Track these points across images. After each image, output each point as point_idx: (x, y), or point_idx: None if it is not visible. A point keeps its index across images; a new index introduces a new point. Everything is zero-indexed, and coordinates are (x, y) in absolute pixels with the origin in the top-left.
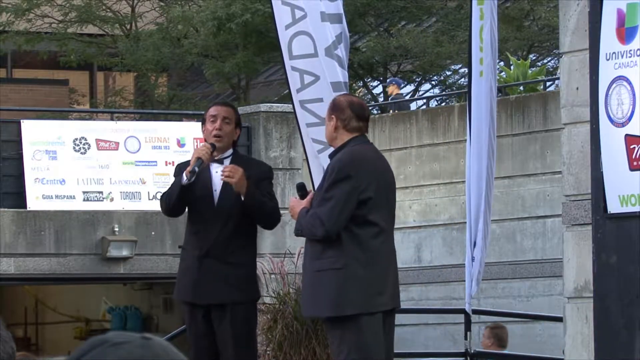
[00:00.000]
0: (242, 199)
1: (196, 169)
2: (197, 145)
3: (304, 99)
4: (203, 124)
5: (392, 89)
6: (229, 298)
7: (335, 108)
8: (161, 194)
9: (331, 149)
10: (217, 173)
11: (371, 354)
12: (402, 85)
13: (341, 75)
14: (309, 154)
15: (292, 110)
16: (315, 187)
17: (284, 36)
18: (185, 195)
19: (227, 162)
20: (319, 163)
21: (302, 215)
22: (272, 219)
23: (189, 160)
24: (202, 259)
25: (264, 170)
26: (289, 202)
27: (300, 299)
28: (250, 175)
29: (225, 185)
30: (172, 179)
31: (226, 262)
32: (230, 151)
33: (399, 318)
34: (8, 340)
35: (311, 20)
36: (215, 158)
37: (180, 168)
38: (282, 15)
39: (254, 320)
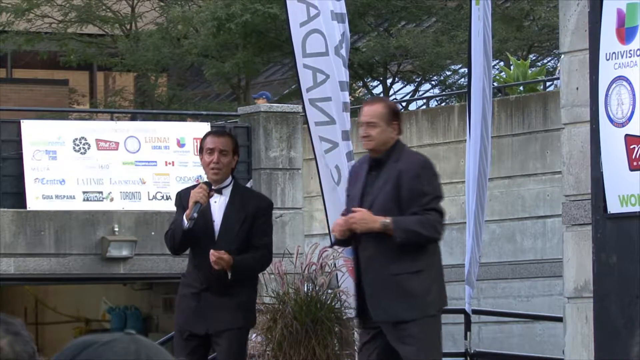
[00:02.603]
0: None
1: (195, 215)
2: (197, 146)
3: (314, 97)
4: (201, 152)
5: (261, 102)
6: (226, 326)
7: (396, 114)
8: (165, 233)
9: (337, 150)
10: (216, 203)
11: (441, 349)
12: (271, 99)
13: (344, 74)
14: (317, 152)
15: (292, 111)
16: (325, 184)
17: (297, 34)
18: (188, 235)
19: (226, 191)
20: (325, 163)
21: (403, 221)
22: (260, 270)
23: (189, 189)
24: (202, 293)
25: (263, 207)
26: (357, 215)
27: (371, 304)
28: (248, 213)
29: (225, 216)
30: (171, 180)
31: (225, 294)
32: (229, 179)
33: None
34: (29, 340)
35: (324, 18)
36: (214, 188)
37: (180, 197)
38: (296, 12)
39: (247, 344)
